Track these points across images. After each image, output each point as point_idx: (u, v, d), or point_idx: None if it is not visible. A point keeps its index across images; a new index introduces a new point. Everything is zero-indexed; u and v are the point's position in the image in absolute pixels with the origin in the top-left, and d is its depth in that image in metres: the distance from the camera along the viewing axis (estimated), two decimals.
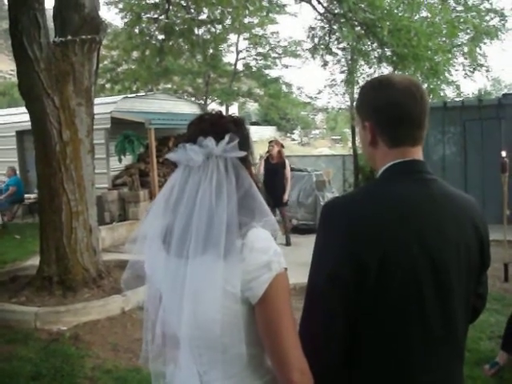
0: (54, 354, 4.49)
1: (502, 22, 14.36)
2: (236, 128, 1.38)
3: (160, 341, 1.43)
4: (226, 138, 1.32)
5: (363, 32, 10.85)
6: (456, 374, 1.42)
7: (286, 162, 9.01)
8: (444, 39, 12.25)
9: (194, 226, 1.28)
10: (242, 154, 1.32)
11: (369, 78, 14.26)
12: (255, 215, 1.31)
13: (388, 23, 9.97)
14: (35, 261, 6.24)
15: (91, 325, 5.09)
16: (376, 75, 14.63)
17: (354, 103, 1.54)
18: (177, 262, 1.32)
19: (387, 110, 1.36)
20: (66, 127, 5.72)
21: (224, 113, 1.49)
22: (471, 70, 14.34)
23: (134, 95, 14.62)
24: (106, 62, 19.73)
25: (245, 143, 1.38)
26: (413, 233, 1.28)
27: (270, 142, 9.30)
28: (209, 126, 1.37)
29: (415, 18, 11.18)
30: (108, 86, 20.15)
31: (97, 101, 10.44)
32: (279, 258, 1.30)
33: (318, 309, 1.31)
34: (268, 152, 8.91)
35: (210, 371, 1.36)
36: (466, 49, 13.73)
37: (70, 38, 5.60)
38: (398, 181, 1.35)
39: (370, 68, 13.68)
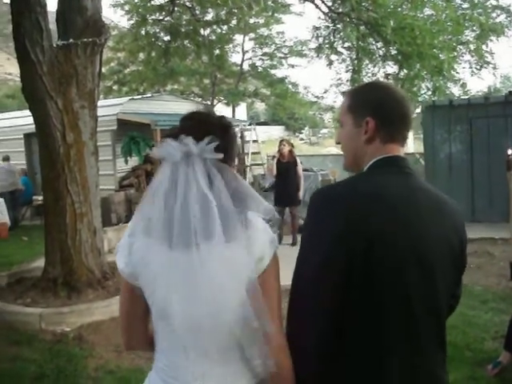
0: (58, 355, 4.52)
1: (509, 18, 14.27)
2: (220, 131, 1.42)
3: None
4: (206, 139, 1.35)
5: (367, 31, 10.82)
6: (438, 363, 1.44)
7: (298, 160, 9.01)
8: (449, 37, 12.18)
9: (194, 216, 1.31)
10: (220, 156, 1.35)
11: (374, 77, 14.31)
12: (249, 204, 1.38)
13: (391, 22, 9.93)
14: (41, 262, 6.27)
15: (95, 326, 5.11)
16: (381, 74, 14.69)
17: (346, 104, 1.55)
18: (181, 254, 1.32)
19: (393, 108, 1.47)
20: (70, 130, 5.74)
21: (216, 113, 1.54)
22: (478, 67, 14.24)
23: (139, 97, 14.70)
24: (112, 64, 19.87)
25: (227, 147, 1.43)
26: (399, 222, 1.34)
27: (281, 141, 9.30)
28: (195, 125, 1.43)
29: (420, 16, 11.11)
30: (115, 87, 20.28)
31: (103, 103, 10.50)
32: (274, 236, 1.40)
33: (307, 296, 1.34)
34: (279, 151, 8.92)
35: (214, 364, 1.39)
36: (472, 46, 13.62)
37: (72, 41, 5.62)
38: (386, 173, 1.42)
39: (374, 67, 13.64)
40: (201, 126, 1.42)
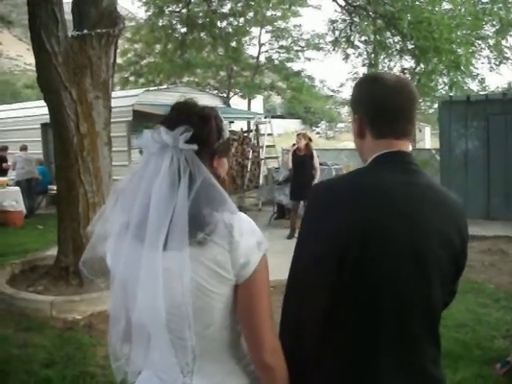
0: (68, 342, 4.56)
1: None
2: (200, 121, 1.37)
3: (121, 336, 1.43)
4: (180, 129, 1.31)
5: (384, 25, 10.72)
6: (431, 360, 1.42)
7: (314, 153, 8.99)
8: (468, 31, 12.02)
9: (153, 216, 1.28)
10: (194, 147, 1.30)
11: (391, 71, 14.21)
12: (216, 204, 1.31)
13: (408, 15, 9.82)
14: (55, 251, 6.33)
15: (105, 314, 5.11)
16: (398, 68, 14.57)
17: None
18: (138, 250, 1.31)
19: (373, 103, 1.43)
20: (84, 120, 5.78)
21: (200, 103, 1.47)
22: (497, 63, 14.03)
23: (155, 88, 14.71)
24: (129, 55, 19.95)
25: (207, 138, 1.37)
26: (400, 217, 1.32)
27: (298, 134, 9.28)
28: (174, 115, 1.39)
29: (438, 10, 10.97)
30: (132, 78, 20.39)
31: (119, 94, 10.54)
32: (264, 238, 1.35)
33: (301, 292, 1.33)
34: (295, 145, 8.89)
35: (197, 359, 1.36)
36: (491, 41, 13.41)
37: (86, 31, 5.65)
38: (385, 169, 1.40)
39: (390, 61, 13.53)
40: (179, 115, 1.38)
